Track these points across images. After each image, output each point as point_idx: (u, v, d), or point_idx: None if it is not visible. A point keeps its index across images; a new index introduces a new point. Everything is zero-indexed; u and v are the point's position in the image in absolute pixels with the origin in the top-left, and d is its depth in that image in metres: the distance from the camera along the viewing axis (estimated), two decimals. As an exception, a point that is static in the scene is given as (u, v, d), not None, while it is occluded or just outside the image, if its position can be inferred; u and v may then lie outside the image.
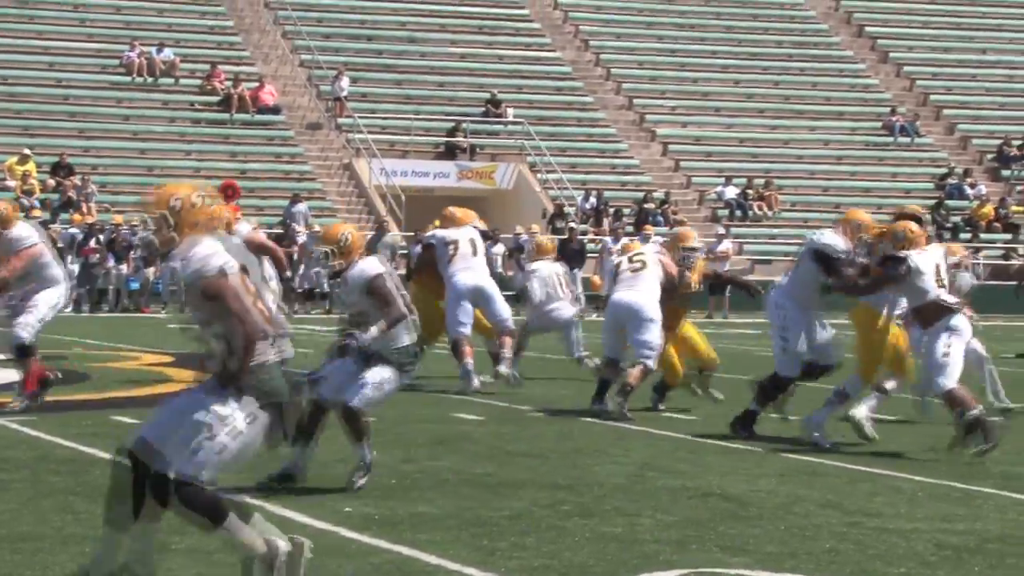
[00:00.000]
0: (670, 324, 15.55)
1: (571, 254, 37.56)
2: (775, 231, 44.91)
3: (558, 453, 12.78)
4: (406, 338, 10.60)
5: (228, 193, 17.25)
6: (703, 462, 12.38)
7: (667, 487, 11.09)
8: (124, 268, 36.44)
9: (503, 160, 46.11)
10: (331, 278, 10.93)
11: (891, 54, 54.77)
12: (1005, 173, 49.84)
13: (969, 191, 47.67)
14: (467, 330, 17.49)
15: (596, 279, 39.07)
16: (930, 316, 12.70)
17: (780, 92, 51.65)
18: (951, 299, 12.82)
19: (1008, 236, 45.70)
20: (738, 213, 45.42)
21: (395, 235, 37.40)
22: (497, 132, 47.56)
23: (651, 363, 15.17)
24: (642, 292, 15.34)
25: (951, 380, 12.43)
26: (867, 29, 55.66)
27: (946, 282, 12.73)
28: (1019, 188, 48.82)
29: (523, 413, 15.57)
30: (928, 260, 12.74)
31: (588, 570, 8.28)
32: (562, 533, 9.28)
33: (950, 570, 8.46)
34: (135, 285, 36.59)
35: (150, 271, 35.57)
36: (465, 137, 46.14)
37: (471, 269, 17.48)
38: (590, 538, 9.13)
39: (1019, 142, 50.53)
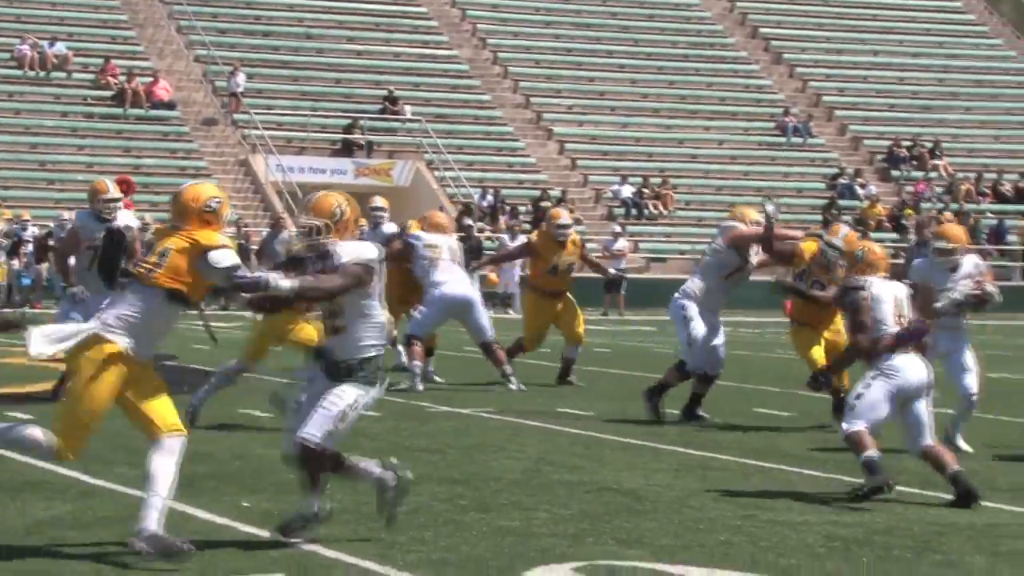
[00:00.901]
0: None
1: (469, 251, 37.59)
2: (670, 229, 45.16)
3: (456, 448, 12.81)
4: (373, 349, 8.79)
5: (123, 188, 17.24)
6: (599, 457, 12.45)
7: (563, 481, 11.13)
8: (16, 263, 36.04)
9: (400, 157, 46.06)
10: (318, 258, 8.70)
11: (784, 55, 55.14)
12: (895, 174, 50.36)
13: (860, 191, 48.09)
14: (429, 334, 17.69)
15: (493, 276, 39.26)
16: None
17: (675, 92, 51.84)
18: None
19: (896, 236, 46.10)
20: (633, 212, 45.58)
21: (292, 232, 37.17)
22: (394, 129, 47.47)
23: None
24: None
25: (853, 423, 10.77)
26: (761, 31, 55.99)
27: (905, 316, 11.08)
28: (908, 189, 49.32)
29: (422, 409, 15.56)
30: (889, 289, 11.12)
31: (485, 564, 8.30)
32: (459, 527, 9.31)
33: (839, 561, 8.57)
34: (27, 281, 36.19)
35: (43, 267, 35.20)
36: (362, 134, 46.04)
37: (459, 280, 17.63)
38: (487, 532, 9.17)
39: (908, 143, 51.05)
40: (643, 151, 49.09)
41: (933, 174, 50.14)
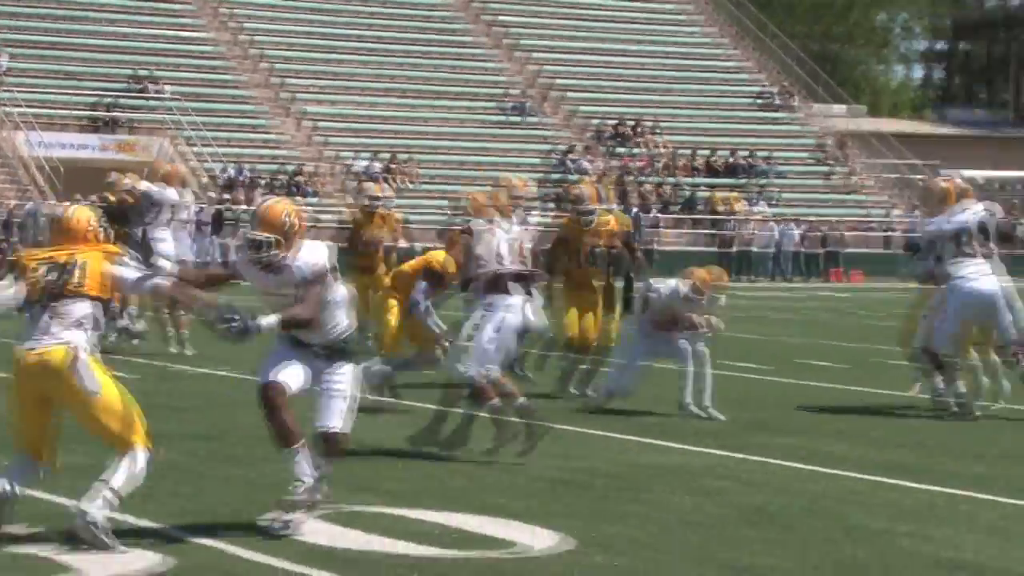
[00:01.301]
0: None
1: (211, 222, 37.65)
2: (415, 202, 45.22)
3: (200, 405, 12.77)
4: (346, 326, 8.31)
5: None
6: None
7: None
8: None
9: (155, 134, 45.22)
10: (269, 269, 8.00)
11: (520, 42, 55.32)
12: (620, 151, 51.05)
13: (587, 166, 48.59)
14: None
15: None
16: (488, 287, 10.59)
17: (419, 75, 51.65)
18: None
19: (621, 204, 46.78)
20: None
21: (50, 204, 36.32)
22: (150, 107, 46.54)
23: None
24: None
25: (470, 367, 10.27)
26: (497, 18, 56.10)
27: (528, 256, 10.80)
28: (632, 165, 50.06)
29: (177, 371, 15.38)
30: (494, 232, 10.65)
31: (220, 513, 8.26)
32: (203, 478, 9.28)
33: (550, 500, 8.72)
34: None
35: None
36: (119, 111, 45.15)
37: None
38: (229, 481, 9.17)
39: (632, 123, 51.82)
40: (389, 128, 48.97)
41: (650, 150, 51.04)
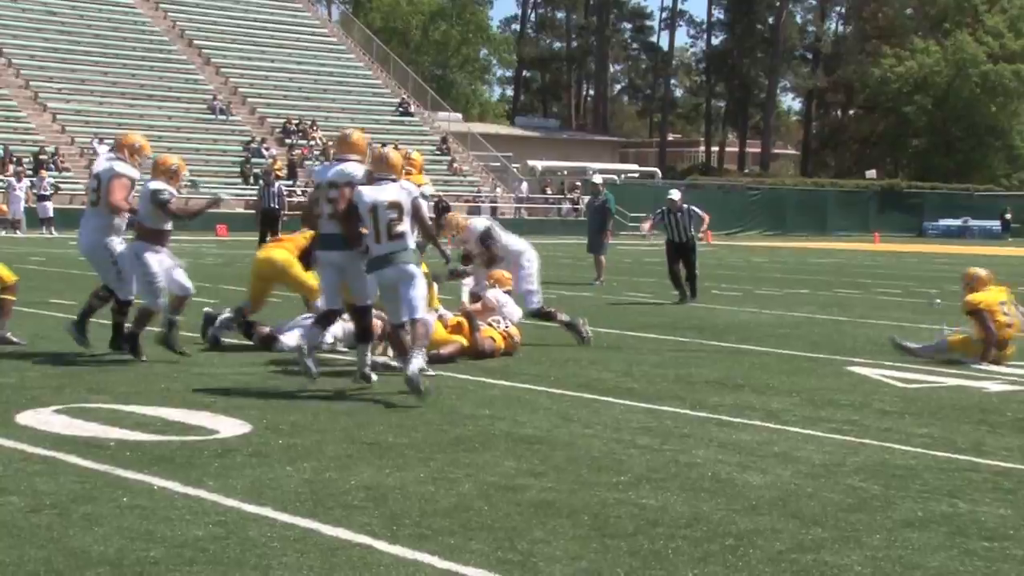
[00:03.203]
0: None
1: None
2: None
3: None
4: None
5: None
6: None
7: (52, 351, 10.38)
8: None
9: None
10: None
11: (212, 57, 53.99)
12: (288, 141, 50.43)
13: (264, 152, 47.84)
14: None
15: (3, 207, 36.47)
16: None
17: (136, 81, 50.04)
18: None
19: (289, 181, 46.02)
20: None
21: None
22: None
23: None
24: None
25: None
26: (195, 40, 54.58)
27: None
28: (296, 151, 49.44)
29: None
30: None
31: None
32: None
33: (242, 398, 8.28)
34: None
35: None
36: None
37: None
38: (-12, 387, 8.42)
39: (296, 121, 51.24)
40: (115, 122, 46.92)
41: (313, 142, 50.63)
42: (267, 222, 24.19)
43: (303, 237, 11.17)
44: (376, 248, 8.58)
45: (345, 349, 10.61)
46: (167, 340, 10.10)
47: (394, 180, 8.73)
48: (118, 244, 10.17)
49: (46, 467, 6.07)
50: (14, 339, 10.89)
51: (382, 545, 4.88)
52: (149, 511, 5.29)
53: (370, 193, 8.62)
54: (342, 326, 10.50)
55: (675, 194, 18.03)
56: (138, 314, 10.01)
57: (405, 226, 8.58)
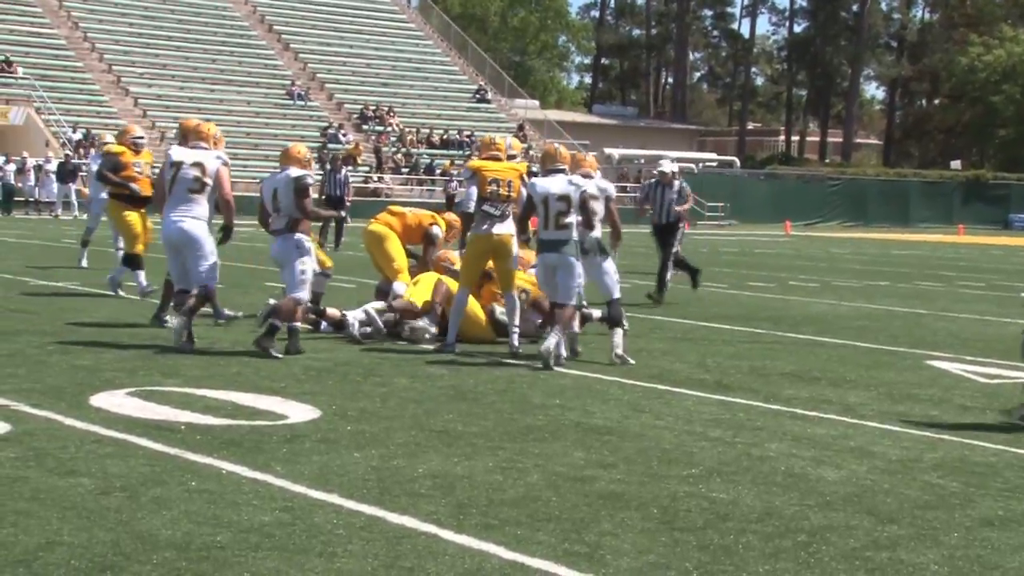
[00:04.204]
0: None
1: (66, 173, 35.89)
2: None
3: (48, 311, 11.90)
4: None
5: None
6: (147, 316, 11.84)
7: (127, 333, 10.51)
8: None
9: (15, 104, 43.14)
10: None
11: (291, 43, 54.46)
12: (365, 127, 50.66)
13: (342, 138, 48.12)
14: None
15: (85, 190, 37.16)
16: None
17: (216, 67, 50.68)
18: None
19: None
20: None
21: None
22: (9, 84, 44.24)
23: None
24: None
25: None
26: (274, 24, 55.12)
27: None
28: (373, 137, 49.72)
29: (25, 283, 14.46)
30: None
31: (63, 391, 7.69)
32: (45, 365, 8.62)
33: (313, 383, 8.34)
34: None
35: None
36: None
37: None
38: (67, 368, 8.53)
39: (374, 107, 51.47)
40: (195, 107, 47.54)
41: (390, 128, 50.84)
42: (333, 207, 23.46)
43: (416, 216, 11.35)
44: (544, 233, 9.62)
45: (362, 332, 10.54)
46: (264, 342, 9.54)
47: (564, 171, 9.74)
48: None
49: (117, 449, 6.13)
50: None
51: (448, 534, 4.86)
52: (217, 495, 5.31)
53: (543, 185, 9.63)
54: (365, 311, 10.61)
55: (667, 165, 15.38)
56: (283, 307, 9.67)
57: (572, 218, 9.57)
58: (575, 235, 9.58)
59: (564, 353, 9.61)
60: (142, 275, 12.91)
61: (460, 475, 5.82)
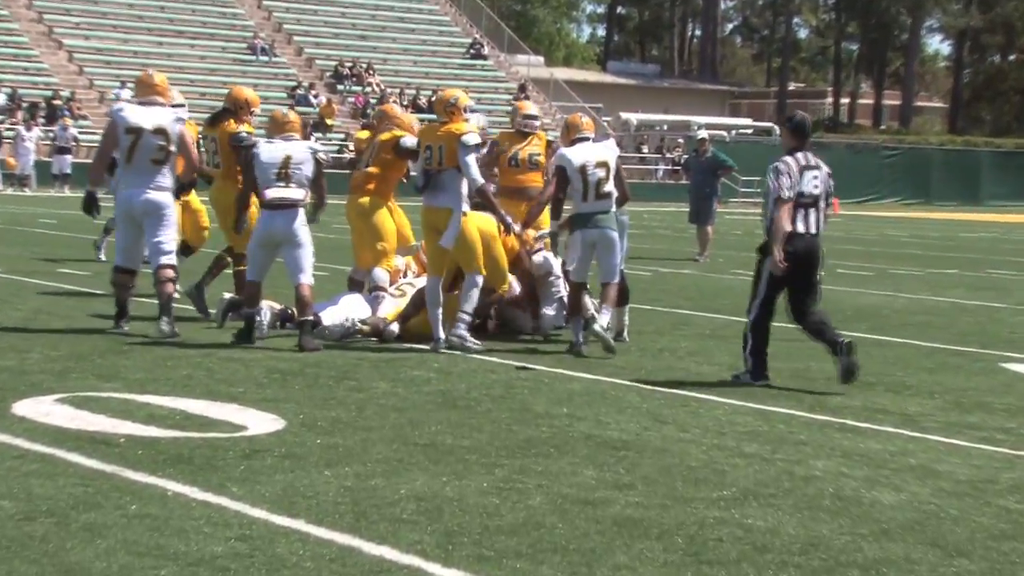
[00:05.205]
0: None
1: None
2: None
3: None
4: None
5: None
6: (86, 308, 11.78)
7: (55, 327, 10.54)
8: None
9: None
10: None
11: (254, -10, 54.56)
12: (339, 87, 50.68)
13: (312, 100, 48.18)
14: None
15: (11, 160, 37.23)
16: None
17: (166, 15, 50.55)
18: None
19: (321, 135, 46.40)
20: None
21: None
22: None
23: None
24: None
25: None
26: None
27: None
28: (350, 100, 49.71)
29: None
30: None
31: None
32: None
33: (276, 388, 8.34)
34: None
35: None
36: None
37: None
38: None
39: (350, 64, 51.52)
40: (140, 62, 47.43)
41: (369, 88, 50.91)
42: None
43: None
44: (582, 206, 10.17)
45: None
46: (307, 343, 9.96)
47: (589, 139, 10.34)
48: None
49: (44, 467, 6.10)
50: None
51: (435, 568, 4.84)
52: (161, 521, 5.28)
53: (577, 152, 10.18)
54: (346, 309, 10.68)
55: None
56: (305, 298, 10.04)
57: (611, 186, 10.19)
58: (614, 205, 10.27)
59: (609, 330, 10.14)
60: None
61: (449, 497, 5.80)
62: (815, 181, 9.14)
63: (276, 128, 10.47)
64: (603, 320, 10.05)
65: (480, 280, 10.16)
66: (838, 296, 15.73)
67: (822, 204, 9.19)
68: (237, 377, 8.66)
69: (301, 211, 10.20)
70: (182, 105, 12.52)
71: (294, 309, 10.78)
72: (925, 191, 57.34)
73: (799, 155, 9.19)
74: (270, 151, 10.24)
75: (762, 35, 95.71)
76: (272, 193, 10.11)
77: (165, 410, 7.49)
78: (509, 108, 14.34)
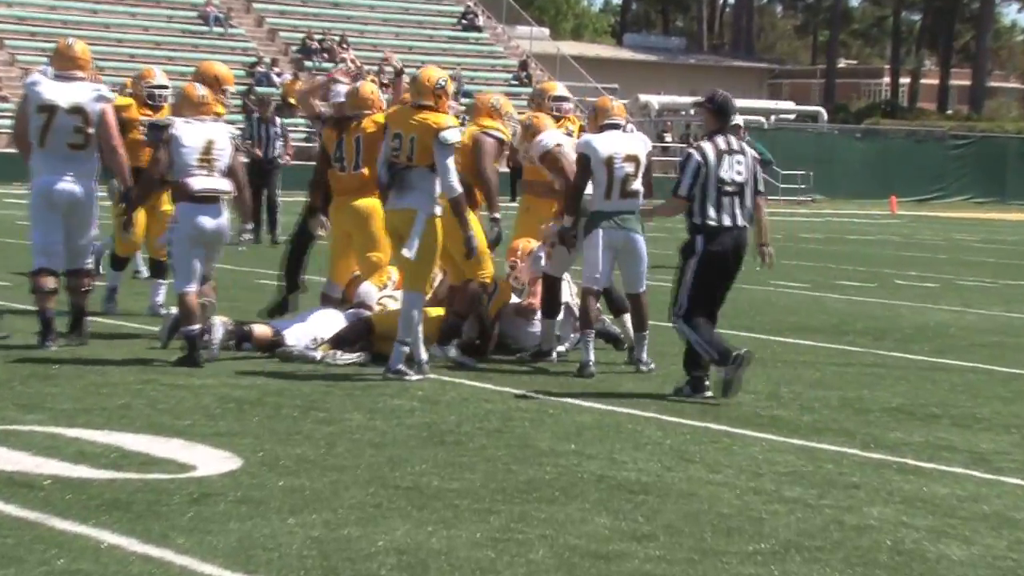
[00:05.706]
0: None
1: None
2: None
3: None
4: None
5: None
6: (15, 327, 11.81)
7: (-32, 348, 10.55)
8: None
9: None
10: None
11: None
12: (307, 64, 50.68)
13: (276, 79, 48.23)
14: None
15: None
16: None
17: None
18: None
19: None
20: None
21: None
22: None
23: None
24: None
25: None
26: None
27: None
28: (318, 76, 49.77)
29: None
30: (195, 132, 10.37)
31: None
32: None
33: (231, 420, 8.34)
34: None
35: None
36: None
37: None
38: None
39: (320, 36, 51.61)
40: (71, 32, 47.51)
41: (342, 64, 50.83)
42: (258, 175, 21.88)
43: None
44: (604, 203, 10.31)
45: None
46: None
47: (620, 127, 10.48)
48: None
49: (-45, 512, 6.11)
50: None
51: (417, 634, 4.84)
52: (93, 578, 5.27)
53: (605, 142, 10.29)
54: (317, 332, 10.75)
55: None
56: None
57: (639, 184, 10.38)
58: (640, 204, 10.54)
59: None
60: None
61: (436, 550, 5.79)
62: (738, 167, 9.59)
63: (190, 108, 10.34)
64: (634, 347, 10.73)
65: (420, 300, 9.95)
66: (897, 312, 15.75)
67: (747, 192, 9.63)
68: (184, 407, 8.67)
69: (226, 208, 10.28)
70: (166, 87, 12.57)
71: (251, 326, 10.79)
72: (1000, 187, 57.41)
73: (719, 139, 9.64)
74: (190, 133, 10.17)
75: (807, 3, 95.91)
76: (199, 184, 10.06)
77: (99, 446, 7.49)
78: (507, 89, 14.38)
